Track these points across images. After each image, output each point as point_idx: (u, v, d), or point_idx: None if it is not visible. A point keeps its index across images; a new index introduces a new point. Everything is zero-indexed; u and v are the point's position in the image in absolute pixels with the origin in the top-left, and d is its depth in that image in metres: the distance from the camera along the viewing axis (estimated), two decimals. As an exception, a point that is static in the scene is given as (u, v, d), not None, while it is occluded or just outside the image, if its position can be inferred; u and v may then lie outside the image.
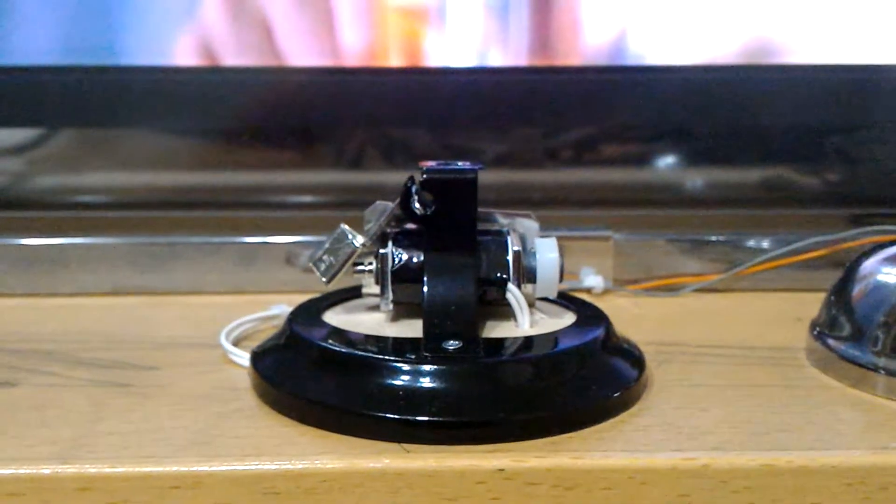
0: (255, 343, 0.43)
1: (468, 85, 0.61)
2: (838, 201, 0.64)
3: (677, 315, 0.50)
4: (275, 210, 0.65)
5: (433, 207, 0.41)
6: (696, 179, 0.66)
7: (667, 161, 0.65)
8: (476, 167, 0.41)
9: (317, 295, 0.46)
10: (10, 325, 0.49)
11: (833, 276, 0.45)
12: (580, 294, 0.49)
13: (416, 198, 0.41)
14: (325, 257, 0.42)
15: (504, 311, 0.42)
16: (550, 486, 0.34)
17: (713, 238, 0.55)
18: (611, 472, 0.34)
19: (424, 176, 0.41)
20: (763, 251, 0.54)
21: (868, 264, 0.43)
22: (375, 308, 0.43)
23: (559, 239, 0.43)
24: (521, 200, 0.62)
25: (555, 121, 0.63)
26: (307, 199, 0.66)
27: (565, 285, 0.50)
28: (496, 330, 0.41)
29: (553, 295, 0.43)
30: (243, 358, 0.43)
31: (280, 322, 0.44)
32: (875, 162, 0.64)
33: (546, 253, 0.42)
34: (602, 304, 0.45)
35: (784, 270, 0.52)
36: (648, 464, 0.34)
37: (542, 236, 0.43)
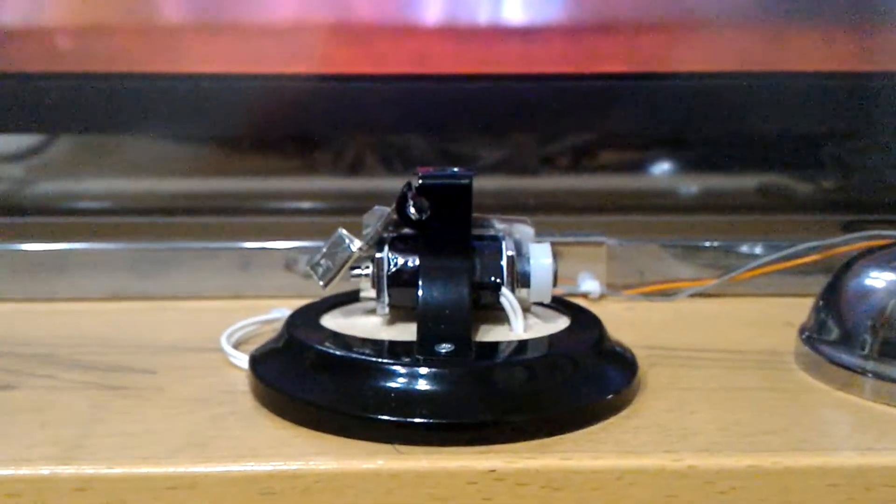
0: (254, 346, 0.44)
1: (465, 92, 0.61)
2: (832, 208, 0.64)
3: (670, 320, 0.51)
4: (273, 216, 0.66)
5: (428, 212, 0.41)
6: (691, 186, 0.66)
7: (661, 168, 0.66)
8: (470, 173, 0.42)
9: (316, 299, 0.46)
10: (9, 330, 0.50)
11: (824, 282, 0.45)
12: (577, 299, 0.49)
13: (411, 203, 0.41)
14: (322, 261, 0.43)
15: (499, 316, 0.42)
16: (540, 487, 0.35)
17: (706, 244, 0.56)
18: (599, 473, 0.35)
19: (420, 181, 0.41)
20: (756, 257, 0.54)
21: (856, 268, 0.43)
22: (372, 312, 0.43)
23: (553, 244, 0.43)
24: (517, 207, 0.62)
25: (550, 128, 0.64)
26: (305, 205, 0.67)
27: (562, 290, 0.51)
28: (490, 334, 0.41)
29: (547, 299, 0.43)
30: (243, 360, 0.43)
31: (280, 325, 0.45)
32: (869, 169, 0.65)
33: (540, 258, 0.42)
34: (596, 308, 0.46)
35: (776, 276, 0.53)
36: (636, 465, 0.35)
37: (536, 241, 0.44)
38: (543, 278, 0.42)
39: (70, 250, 0.55)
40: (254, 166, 0.67)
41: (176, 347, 0.47)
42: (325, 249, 0.43)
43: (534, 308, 0.44)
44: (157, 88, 0.60)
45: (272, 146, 0.66)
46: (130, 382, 0.43)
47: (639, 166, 0.66)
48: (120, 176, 0.66)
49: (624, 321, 0.49)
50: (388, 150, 0.66)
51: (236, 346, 0.46)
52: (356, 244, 0.42)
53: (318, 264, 0.43)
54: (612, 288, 0.54)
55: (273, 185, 0.66)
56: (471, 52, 0.60)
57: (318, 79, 0.61)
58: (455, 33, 0.60)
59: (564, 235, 0.54)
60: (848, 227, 0.57)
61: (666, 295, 0.53)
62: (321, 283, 0.43)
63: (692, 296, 0.53)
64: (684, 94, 0.61)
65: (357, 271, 0.42)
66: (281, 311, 0.49)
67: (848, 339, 0.41)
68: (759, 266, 0.52)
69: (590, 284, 0.54)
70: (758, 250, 0.55)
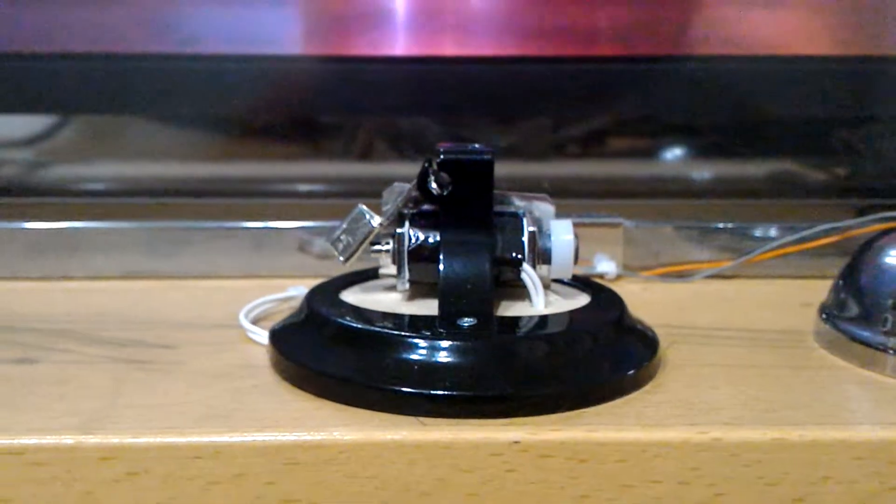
0: (271, 323, 0.44)
1: (477, 75, 0.61)
2: (844, 193, 0.64)
3: (687, 300, 0.51)
4: (286, 198, 0.66)
5: (449, 188, 0.41)
6: (704, 171, 0.66)
7: (674, 153, 0.66)
8: (492, 149, 0.42)
9: (329, 278, 0.46)
10: (26, 308, 0.50)
11: (840, 264, 0.45)
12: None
13: (432, 178, 0.41)
14: (342, 237, 0.43)
15: (519, 292, 0.42)
16: (564, 459, 0.35)
17: (721, 226, 0.56)
18: (624, 445, 0.35)
19: (442, 156, 0.41)
20: (770, 239, 0.54)
21: (876, 247, 0.43)
22: (392, 288, 0.43)
23: (572, 224, 0.43)
24: (531, 190, 0.62)
25: (564, 112, 0.64)
26: (317, 187, 0.67)
27: (579, 271, 0.51)
28: (511, 309, 0.41)
29: (568, 277, 0.43)
30: (262, 336, 0.43)
31: (296, 303, 0.45)
32: (882, 154, 0.64)
33: (561, 234, 0.42)
34: (614, 288, 0.46)
35: (792, 258, 0.53)
36: (661, 437, 0.35)
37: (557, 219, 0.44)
38: (564, 255, 0.42)
39: (83, 229, 0.55)
40: (265, 150, 0.66)
41: (193, 324, 0.47)
42: (344, 225, 0.43)
43: (553, 286, 0.44)
44: (168, 70, 0.60)
45: (283, 129, 0.66)
46: (150, 357, 0.42)
47: (651, 152, 0.66)
48: (133, 159, 0.66)
49: (641, 301, 0.49)
50: (398, 133, 0.66)
51: (253, 323, 0.46)
52: (377, 220, 0.42)
53: (338, 240, 0.43)
54: (629, 269, 0.54)
55: (283, 169, 0.66)
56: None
57: (329, 61, 0.61)
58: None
59: (581, 217, 0.54)
60: (861, 212, 0.57)
61: (682, 276, 0.53)
62: (341, 258, 0.43)
63: (708, 277, 0.53)
64: (698, 78, 0.61)
65: (377, 247, 0.42)
66: (298, 289, 0.49)
67: (869, 317, 0.41)
68: (776, 248, 0.52)
69: (606, 265, 0.54)
70: (772, 233, 0.55)
